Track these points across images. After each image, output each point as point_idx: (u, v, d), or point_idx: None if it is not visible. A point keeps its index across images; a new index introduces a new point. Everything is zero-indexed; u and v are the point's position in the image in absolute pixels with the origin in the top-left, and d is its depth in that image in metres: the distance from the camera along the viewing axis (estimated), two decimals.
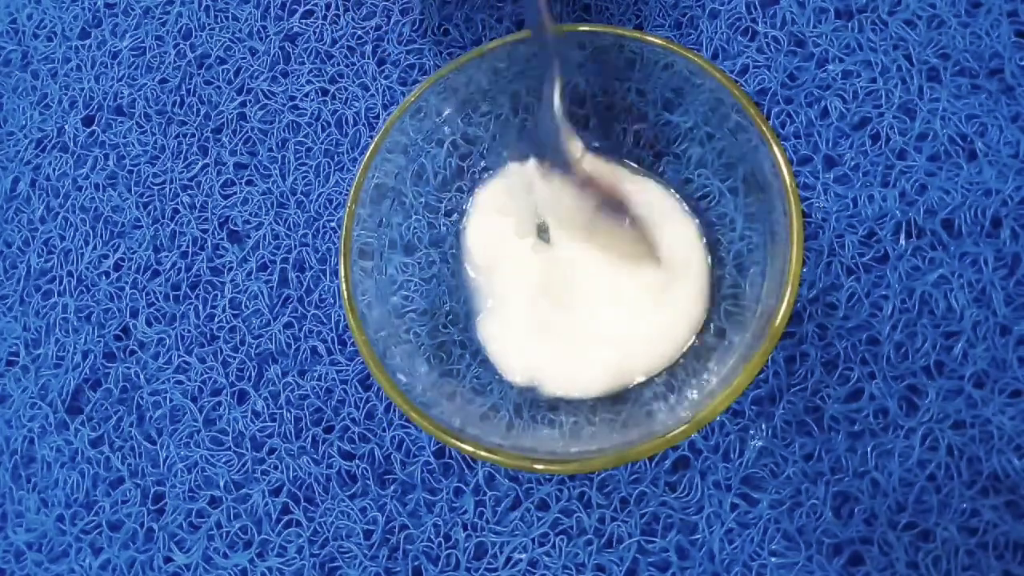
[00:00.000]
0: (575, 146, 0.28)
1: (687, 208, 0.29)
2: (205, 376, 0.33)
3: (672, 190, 0.30)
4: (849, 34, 0.32)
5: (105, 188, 0.37)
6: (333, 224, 0.34)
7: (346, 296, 0.26)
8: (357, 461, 0.31)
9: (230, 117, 0.36)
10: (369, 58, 0.36)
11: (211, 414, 0.32)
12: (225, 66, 0.37)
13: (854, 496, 0.28)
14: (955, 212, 0.30)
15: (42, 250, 0.36)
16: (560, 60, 0.27)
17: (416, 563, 0.29)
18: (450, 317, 0.30)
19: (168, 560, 0.31)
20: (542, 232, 0.30)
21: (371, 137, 0.35)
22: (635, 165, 0.31)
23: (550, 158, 0.28)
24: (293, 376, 0.32)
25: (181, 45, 0.38)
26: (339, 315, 0.33)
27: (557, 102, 0.27)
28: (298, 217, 0.34)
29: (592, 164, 0.29)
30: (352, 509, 0.30)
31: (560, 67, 0.27)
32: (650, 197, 0.30)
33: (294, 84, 0.36)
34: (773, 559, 0.27)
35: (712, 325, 0.27)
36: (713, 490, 0.28)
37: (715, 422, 0.28)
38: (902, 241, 0.30)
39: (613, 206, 0.29)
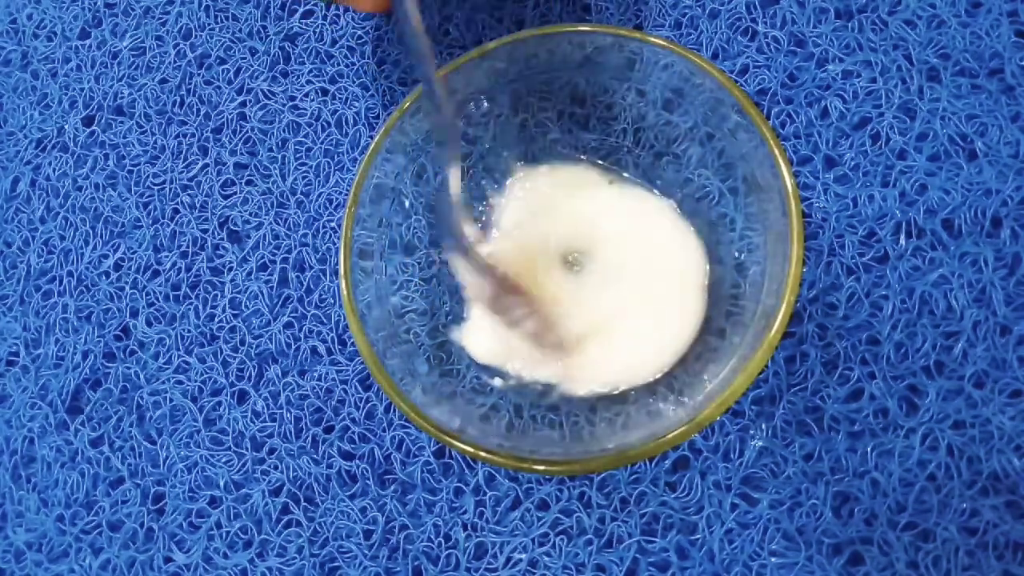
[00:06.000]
0: (470, 231, 0.27)
1: (683, 210, 0.29)
2: (205, 376, 0.33)
3: (665, 195, 0.30)
4: (849, 34, 0.32)
5: (105, 188, 0.37)
6: (333, 224, 0.34)
7: (346, 296, 0.26)
8: (357, 461, 0.31)
9: (230, 117, 0.36)
10: (369, 58, 0.36)
11: (211, 414, 0.32)
12: (225, 66, 0.37)
13: (854, 496, 0.28)
14: (955, 212, 0.30)
15: (42, 250, 0.36)
16: (458, 137, 0.26)
17: (416, 563, 0.29)
18: (450, 317, 0.30)
19: (168, 560, 0.31)
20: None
21: (371, 137, 0.35)
22: (623, 173, 0.31)
23: (446, 239, 0.28)
24: (293, 376, 0.32)
25: (181, 45, 0.38)
26: (339, 315, 0.33)
27: (455, 186, 0.26)
28: (298, 217, 0.34)
29: (497, 250, 0.29)
30: (352, 509, 0.30)
31: (458, 146, 0.26)
32: (642, 203, 0.30)
33: (294, 84, 0.36)
34: (773, 559, 0.27)
35: (712, 325, 0.27)
36: (713, 490, 0.28)
37: (715, 422, 0.28)
38: (902, 241, 0.30)
39: (516, 295, 0.28)
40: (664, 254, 0.29)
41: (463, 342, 0.29)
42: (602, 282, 0.29)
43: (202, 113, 0.37)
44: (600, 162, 0.31)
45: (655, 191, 0.30)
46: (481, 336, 0.29)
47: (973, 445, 0.27)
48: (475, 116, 0.30)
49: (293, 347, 0.33)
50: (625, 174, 0.31)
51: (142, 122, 0.37)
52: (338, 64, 0.36)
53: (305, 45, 0.37)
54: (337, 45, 0.36)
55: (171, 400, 0.33)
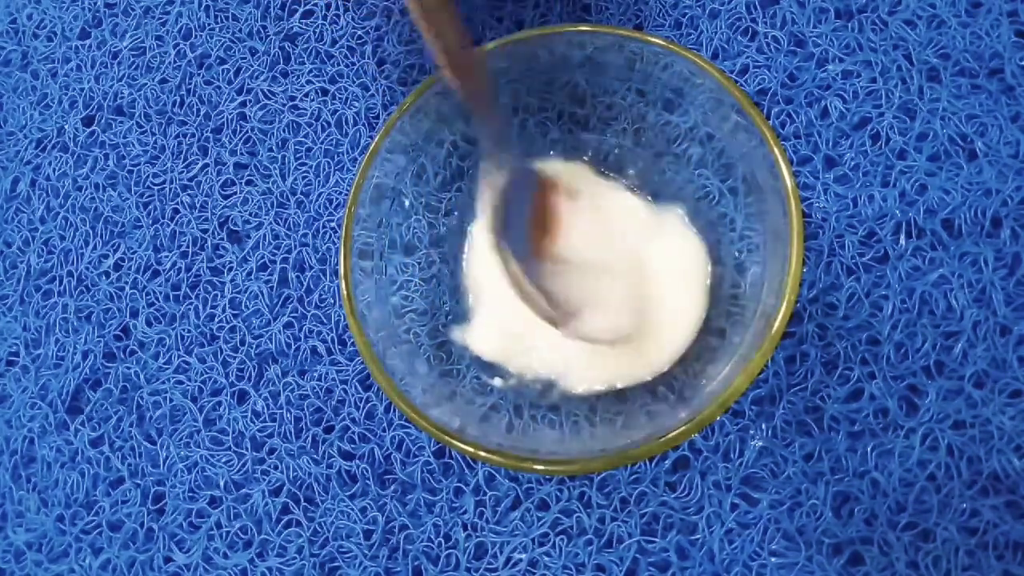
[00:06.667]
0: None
1: (685, 210, 0.29)
2: (205, 376, 0.33)
3: (665, 195, 0.30)
4: (849, 34, 0.32)
5: (105, 188, 0.37)
6: (333, 224, 0.34)
7: (346, 296, 0.26)
8: (357, 461, 0.31)
9: (230, 117, 0.36)
10: (369, 58, 0.36)
11: (211, 414, 0.32)
12: (225, 66, 0.37)
13: (854, 496, 0.28)
14: (955, 212, 0.30)
15: (42, 250, 0.36)
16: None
17: (416, 563, 0.29)
18: (450, 317, 0.30)
19: (168, 560, 0.31)
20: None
21: (371, 137, 0.35)
22: (616, 177, 0.31)
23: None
24: (293, 376, 0.32)
25: (181, 45, 0.38)
26: (339, 315, 0.33)
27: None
28: (298, 217, 0.34)
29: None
30: (352, 509, 0.30)
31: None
32: (637, 211, 0.30)
33: (294, 84, 0.36)
34: (773, 559, 0.27)
35: (712, 325, 0.27)
36: (713, 490, 0.28)
37: (715, 422, 0.28)
38: (902, 241, 0.30)
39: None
40: (667, 253, 0.29)
41: (466, 340, 0.29)
42: (603, 279, 0.29)
43: (202, 113, 0.37)
44: (601, 169, 0.31)
45: (659, 193, 0.30)
46: (487, 333, 0.29)
47: (973, 445, 0.27)
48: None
49: (293, 347, 0.33)
50: (625, 178, 0.31)
51: (142, 122, 0.37)
52: (338, 64, 0.36)
53: (305, 45, 0.37)
54: (337, 45, 0.36)
55: (171, 400, 0.33)
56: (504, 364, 0.29)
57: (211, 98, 0.37)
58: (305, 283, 0.33)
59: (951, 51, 0.31)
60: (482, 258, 0.30)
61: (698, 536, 0.28)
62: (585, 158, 0.31)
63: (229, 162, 0.36)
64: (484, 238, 0.30)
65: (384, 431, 0.31)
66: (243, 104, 0.36)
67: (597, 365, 0.28)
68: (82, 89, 0.38)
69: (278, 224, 0.34)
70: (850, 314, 0.29)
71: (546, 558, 0.29)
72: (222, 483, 0.31)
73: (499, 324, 0.29)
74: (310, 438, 0.31)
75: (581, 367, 0.28)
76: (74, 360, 0.34)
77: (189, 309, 0.34)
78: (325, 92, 0.36)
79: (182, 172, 0.36)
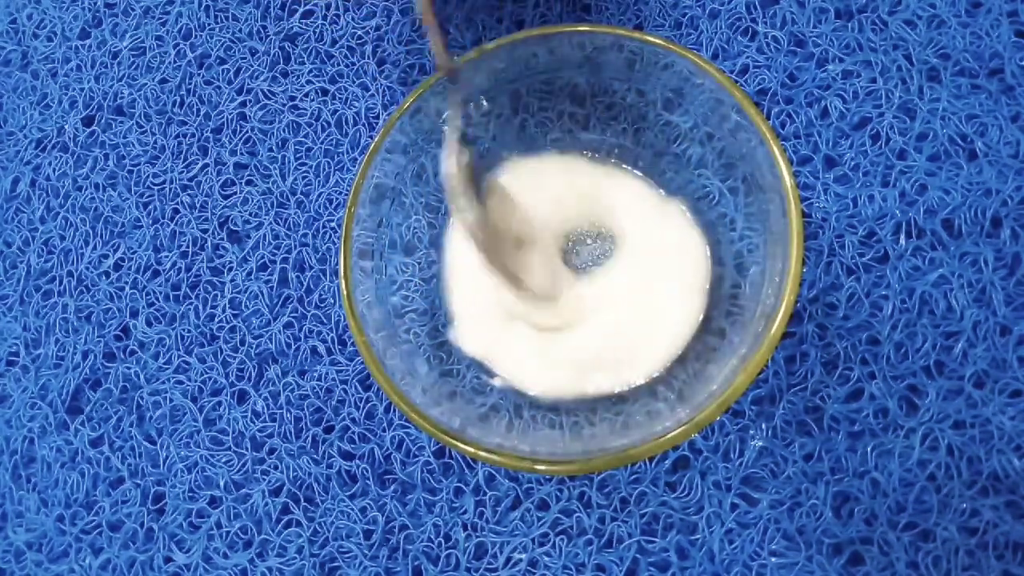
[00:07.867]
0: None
1: (687, 208, 0.29)
2: (205, 376, 0.33)
3: (667, 193, 0.30)
4: (849, 34, 0.32)
5: (105, 188, 0.37)
6: (333, 224, 0.34)
7: (346, 296, 0.26)
8: (357, 461, 0.31)
9: (230, 117, 0.36)
10: (369, 58, 0.36)
11: (211, 414, 0.32)
12: (225, 66, 0.37)
13: (854, 496, 0.28)
14: (955, 212, 0.30)
15: (42, 250, 0.36)
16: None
17: (416, 563, 0.29)
18: (450, 317, 0.30)
19: (168, 560, 0.31)
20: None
21: (371, 137, 0.35)
22: (628, 167, 0.31)
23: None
24: (293, 376, 0.32)
25: (181, 45, 0.38)
26: (339, 315, 0.33)
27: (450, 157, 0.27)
28: (298, 217, 0.34)
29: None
30: (352, 509, 0.30)
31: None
32: (645, 199, 0.30)
33: (294, 84, 0.36)
34: (773, 559, 0.27)
35: (712, 325, 0.27)
36: (713, 490, 0.28)
37: (715, 422, 0.28)
38: (902, 241, 0.30)
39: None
40: (668, 252, 0.29)
41: (453, 338, 0.29)
42: (602, 277, 0.29)
43: (202, 113, 0.37)
44: (624, 164, 0.31)
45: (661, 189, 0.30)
46: (472, 329, 0.29)
47: (973, 445, 0.27)
48: (475, 116, 0.30)
49: (293, 347, 0.33)
50: (636, 171, 0.31)
51: (142, 122, 0.37)
52: (338, 64, 0.36)
53: (305, 45, 0.37)
54: (337, 45, 0.36)
55: (171, 400, 0.33)
56: (489, 363, 0.29)
57: (211, 98, 0.37)
58: (305, 283, 0.33)
59: (951, 51, 0.31)
60: (461, 248, 0.30)
61: (698, 536, 0.28)
62: (585, 152, 0.31)
63: (229, 162, 0.36)
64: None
65: (384, 431, 0.31)
66: (243, 104, 0.36)
67: (592, 365, 0.28)
68: (82, 89, 0.38)
69: (278, 224, 0.34)
70: (850, 314, 0.29)
71: (546, 558, 0.29)
72: (222, 483, 0.31)
73: (483, 320, 0.29)
74: (310, 438, 0.31)
75: (539, 372, 0.28)
76: (74, 360, 0.34)
77: (189, 309, 0.34)
78: (325, 92, 0.36)
79: (182, 172, 0.36)
